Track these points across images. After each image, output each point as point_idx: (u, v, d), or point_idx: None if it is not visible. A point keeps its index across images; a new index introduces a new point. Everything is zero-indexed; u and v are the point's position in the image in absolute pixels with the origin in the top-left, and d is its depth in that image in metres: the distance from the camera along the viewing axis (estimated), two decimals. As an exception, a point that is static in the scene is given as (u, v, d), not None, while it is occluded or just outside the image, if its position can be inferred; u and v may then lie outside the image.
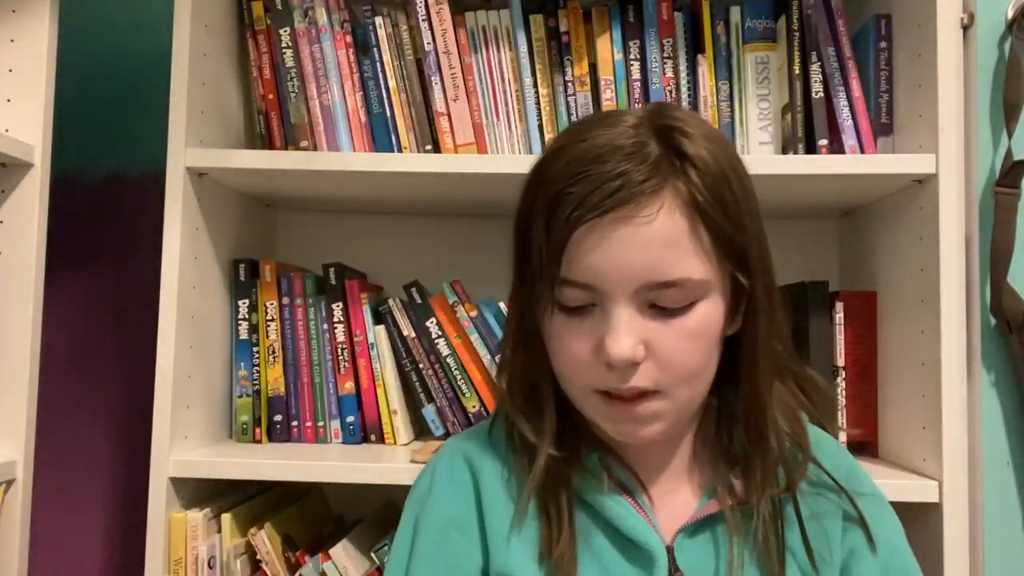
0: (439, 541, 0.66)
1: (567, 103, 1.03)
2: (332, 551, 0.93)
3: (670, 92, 1.02)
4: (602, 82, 1.03)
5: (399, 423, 1.06)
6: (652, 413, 0.60)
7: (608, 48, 1.03)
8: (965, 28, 1.02)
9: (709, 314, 0.59)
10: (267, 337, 1.07)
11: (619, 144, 0.57)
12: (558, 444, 0.65)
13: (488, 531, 0.65)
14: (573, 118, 1.03)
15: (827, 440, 0.70)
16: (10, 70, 0.99)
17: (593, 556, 0.63)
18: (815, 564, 0.62)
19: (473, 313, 1.06)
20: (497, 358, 0.80)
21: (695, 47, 1.04)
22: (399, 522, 0.69)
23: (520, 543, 0.63)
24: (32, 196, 0.98)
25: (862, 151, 0.98)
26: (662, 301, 0.58)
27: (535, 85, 1.03)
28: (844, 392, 1.00)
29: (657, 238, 0.56)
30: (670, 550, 0.63)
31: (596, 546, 0.63)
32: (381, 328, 1.07)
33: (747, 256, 0.60)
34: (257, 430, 1.07)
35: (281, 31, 1.04)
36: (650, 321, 0.58)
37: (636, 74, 1.02)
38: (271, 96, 1.07)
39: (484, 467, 0.68)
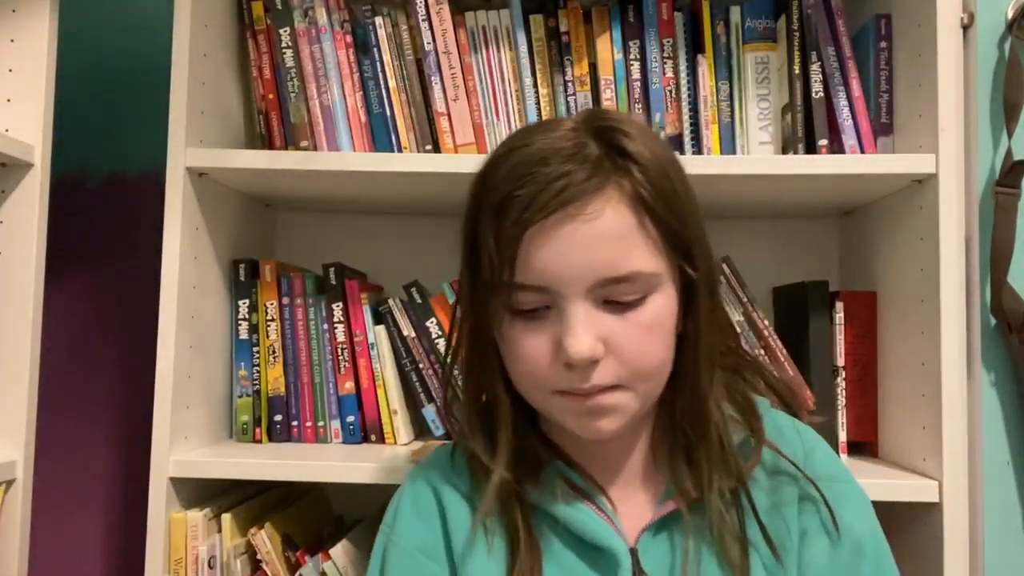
0: (408, 567, 0.67)
1: (567, 103, 1.03)
2: (332, 551, 0.93)
3: (670, 92, 1.02)
4: (602, 82, 1.03)
5: (399, 423, 1.06)
6: (614, 405, 0.60)
7: (608, 48, 1.03)
8: (965, 28, 1.02)
9: (662, 307, 0.60)
10: (267, 337, 1.07)
11: (559, 147, 0.58)
12: (515, 457, 0.65)
13: (456, 556, 0.65)
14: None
15: (788, 426, 0.69)
16: (10, 70, 0.99)
17: (559, 566, 0.63)
18: (777, 555, 0.62)
19: (473, 313, 1.06)
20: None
21: (695, 47, 1.04)
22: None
23: (487, 565, 0.64)
24: (32, 196, 0.98)
25: (862, 151, 0.98)
26: (616, 296, 0.58)
27: (535, 85, 1.03)
28: (844, 392, 1.00)
29: (605, 234, 0.57)
30: (634, 552, 0.63)
31: (561, 556, 0.63)
32: (381, 328, 1.07)
33: (692, 249, 0.61)
34: (257, 430, 1.07)
35: (281, 31, 1.04)
36: (606, 317, 0.58)
37: (636, 74, 1.02)
38: (271, 96, 1.07)
39: (447, 493, 0.68)
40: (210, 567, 0.93)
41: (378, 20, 1.03)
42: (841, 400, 1.00)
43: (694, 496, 0.63)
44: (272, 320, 1.07)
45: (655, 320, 0.60)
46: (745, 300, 1.01)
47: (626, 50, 1.03)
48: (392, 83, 1.03)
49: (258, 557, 0.95)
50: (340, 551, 0.93)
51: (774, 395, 0.73)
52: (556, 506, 0.64)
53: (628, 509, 0.66)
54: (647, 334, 0.59)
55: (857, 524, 0.65)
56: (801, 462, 0.65)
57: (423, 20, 1.01)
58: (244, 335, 1.07)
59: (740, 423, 0.66)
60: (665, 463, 0.67)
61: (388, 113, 1.03)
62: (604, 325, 0.58)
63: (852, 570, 0.63)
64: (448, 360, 0.70)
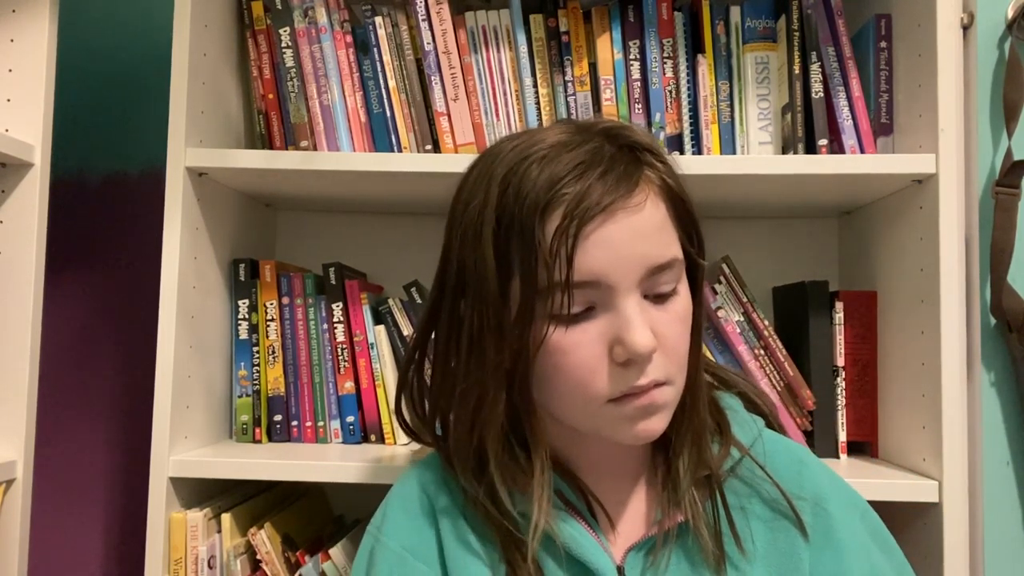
0: (396, 568, 0.65)
1: (567, 103, 1.03)
2: (332, 551, 0.93)
3: (670, 92, 1.02)
4: (602, 82, 1.03)
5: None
6: (665, 400, 0.60)
7: (608, 48, 1.03)
8: (965, 28, 1.02)
9: (688, 297, 0.62)
10: (267, 337, 1.07)
11: (583, 151, 0.58)
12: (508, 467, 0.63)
13: (449, 563, 0.64)
14: (573, 117, 1.03)
15: (782, 449, 0.69)
16: (10, 70, 0.99)
17: None
18: (742, 548, 0.62)
19: (473, 313, 1.05)
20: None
21: (695, 47, 1.04)
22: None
23: (482, 573, 0.63)
24: (32, 196, 0.98)
25: (862, 151, 0.98)
26: (657, 287, 0.59)
27: (535, 85, 1.03)
28: (844, 392, 1.01)
29: (649, 223, 0.58)
30: (621, 570, 0.62)
31: (549, 568, 0.62)
32: (381, 328, 1.07)
33: (701, 239, 0.63)
34: (257, 430, 1.07)
35: (281, 31, 1.04)
36: (652, 309, 0.59)
37: (636, 74, 1.02)
38: (271, 96, 1.07)
39: (441, 498, 0.67)
40: (210, 567, 0.93)
41: (378, 20, 1.03)
42: (841, 400, 1.00)
43: (676, 521, 0.63)
44: (272, 320, 1.07)
45: (687, 310, 0.61)
46: (745, 300, 1.01)
47: (626, 50, 1.03)
48: (392, 83, 1.03)
49: (258, 557, 0.95)
50: (340, 551, 0.93)
51: (741, 397, 0.72)
52: (552, 520, 0.62)
53: (624, 523, 0.65)
54: (682, 324, 0.60)
55: (849, 538, 0.64)
56: (793, 487, 0.65)
57: (423, 20, 1.01)
58: (244, 335, 1.07)
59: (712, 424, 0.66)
60: (664, 481, 0.66)
61: (388, 113, 1.03)
62: (652, 318, 0.58)
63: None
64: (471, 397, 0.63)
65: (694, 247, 0.63)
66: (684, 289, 0.61)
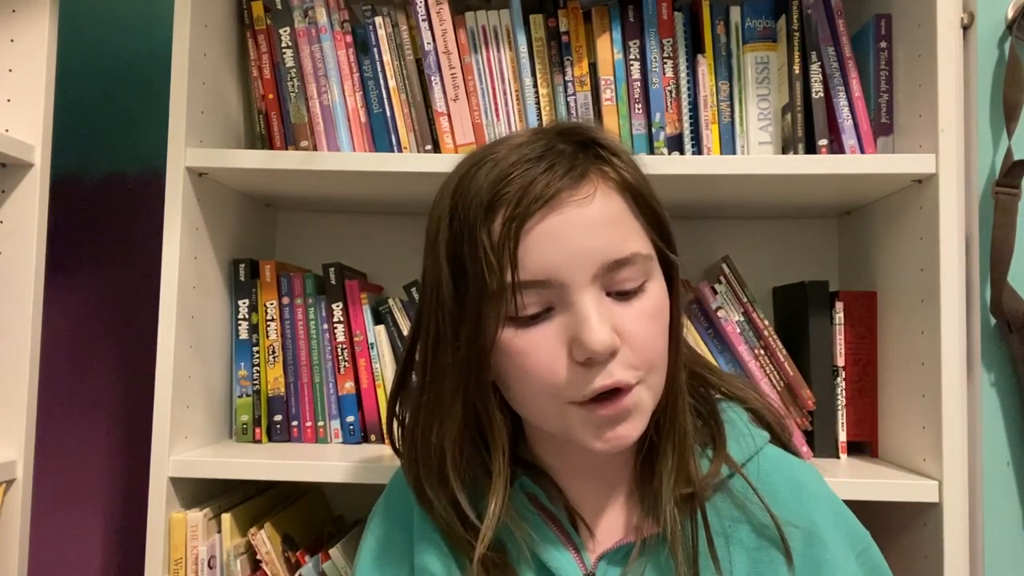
0: (378, 557, 0.69)
1: (567, 103, 1.03)
2: (332, 551, 0.93)
3: (670, 92, 1.02)
4: (602, 82, 1.03)
5: (399, 423, 1.06)
6: (636, 404, 0.57)
7: (608, 48, 1.03)
8: (965, 28, 1.02)
9: (660, 294, 0.59)
10: (267, 337, 1.07)
11: (532, 148, 0.58)
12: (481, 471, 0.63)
13: (416, 560, 0.65)
14: (573, 118, 1.03)
15: (784, 470, 0.65)
16: (10, 70, 0.99)
17: None
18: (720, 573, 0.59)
19: (473, 313, 1.05)
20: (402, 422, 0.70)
21: (695, 47, 1.04)
22: None
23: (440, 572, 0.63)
24: (32, 196, 0.98)
25: (862, 151, 0.98)
26: (619, 284, 0.57)
27: (535, 85, 1.03)
28: (844, 392, 1.01)
29: (601, 217, 0.56)
30: None
31: (520, 573, 0.62)
32: (381, 328, 1.07)
33: (671, 236, 0.61)
34: (257, 430, 1.07)
35: (281, 31, 1.04)
36: (614, 306, 0.57)
37: (636, 74, 1.02)
38: (271, 96, 1.07)
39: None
40: (210, 567, 0.93)
41: (378, 20, 1.03)
42: (841, 400, 1.00)
43: (654, 531, 0.61)
44: (272, 320, 1.07)
45: (657, 307, 0.58)
46: (745, 300, 1.01)
47: (626, 50, 1.03)
48: (392, 83, 1.03)
49: (258, 557, 0.95)
50: (340, 551, 0.93)
51: (750, 413, 0.69)
52: (517, 525, 0.61)
53: (603, 531, 0.64)
54: (652, 321, 0.58)
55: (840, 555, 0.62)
56: (791, 510, 0.62)
57: (423, 20, 1.01)
58: (244, 335, 1.07)
59: (703, 434, 0.64)
60: (646, 489, 0.64)
61: (388, 113, 1.03)
62: (614, 315, 0.56)
63: None
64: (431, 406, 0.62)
65: (666, 244, 0.61)
66: (655, 287, 0.59)
